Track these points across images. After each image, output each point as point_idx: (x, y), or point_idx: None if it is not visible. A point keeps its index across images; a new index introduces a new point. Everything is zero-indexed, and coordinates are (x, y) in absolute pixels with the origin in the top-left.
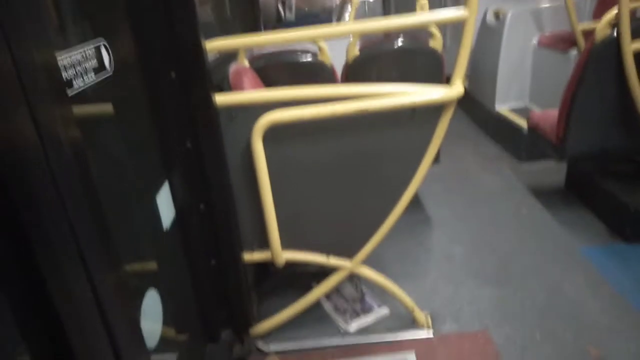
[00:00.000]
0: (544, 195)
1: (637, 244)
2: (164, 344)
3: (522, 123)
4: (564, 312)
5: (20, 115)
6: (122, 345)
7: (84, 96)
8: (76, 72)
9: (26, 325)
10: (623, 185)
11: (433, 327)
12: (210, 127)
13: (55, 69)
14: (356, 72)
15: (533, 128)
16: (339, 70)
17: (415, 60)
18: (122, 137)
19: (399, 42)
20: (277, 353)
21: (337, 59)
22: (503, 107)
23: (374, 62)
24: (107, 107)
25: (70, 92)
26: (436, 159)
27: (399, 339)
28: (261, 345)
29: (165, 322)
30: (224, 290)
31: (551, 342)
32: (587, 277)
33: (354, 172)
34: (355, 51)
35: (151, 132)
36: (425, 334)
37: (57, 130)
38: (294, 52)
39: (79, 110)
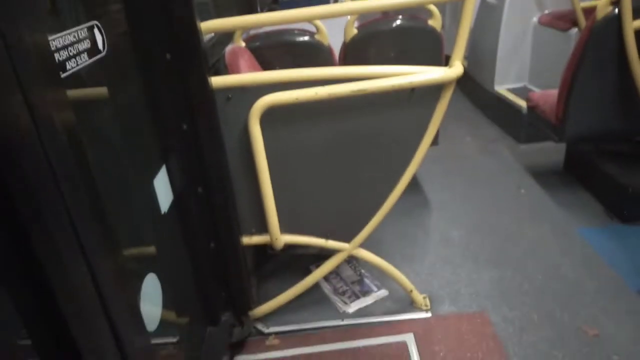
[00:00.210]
0: (543, 176)
1: (635, 224)
2: (165, 327)
3: (522, 104)
4: (562, 293)
5: (14, 99)
6: (122, 329)
7: (77, 78)
8: (69, 54)
9: (26, 311)
10: (622, 167)
11: (431, 309)
12: (206, 110)
13: (47, 52)
14: (354, 51)
15: (532, 108)
16: (336, 49)
17: (414, 39)
18: (117, 120)
19: (398, 21)
20: (277, 335)
21: (335, 38)
22: (502, 88)
23: (372, 41)
24: (101, 90)
25: (64, 75)
26: (435, 141)
27: (397, 320)
28: (261, 327)
29: (165, 306)
30: (223, 273)
31: (548, 322)
32: (585, 258)
33: (352, 154)
34: (353, 30)
35: (147, 114)
36: (423, 315)
37: (51, 114)
38: (291, 32)
39: (73, 93)
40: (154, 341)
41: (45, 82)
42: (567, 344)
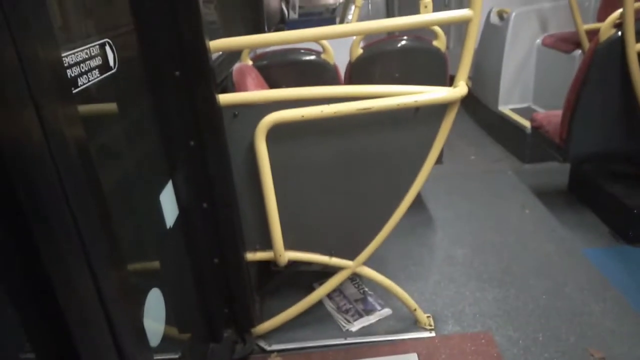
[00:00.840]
0: (547, 196)
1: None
2: (167, 342)
3: (526, 124)
4: (567, 314)
5: (26, 113)
6: (126, 344)
7: (88, 94)
8: (81, 70)
9: (31, 324)
10: (626, 187)
11: (435, 328)
12: (213, 126)
13: (60, 67)
14: (359, 71)
15: (536, 129)
16: (342, 69)
17: (419, 59)
18: (126, 136)
19: (403, 42)
20: (279, 352)
21: (340, 58)
22: (506, 108)
23: (378, 61)
24: (111, 106)
25: (75, 90)
26: (439, 160)
27: (401, 339)
28: (263, 344)
29: (168, 321)
30: (226, 289)
31: (553, 343)
32: (590, 279)
33: (356, 171)
34: (359, 50)
35: (155, 130)
36: (427, 334)
37: (62, 129)
38: (297, 51)
39: (83, 108)
40: (157, 357)
41: (57, 97)
42: None
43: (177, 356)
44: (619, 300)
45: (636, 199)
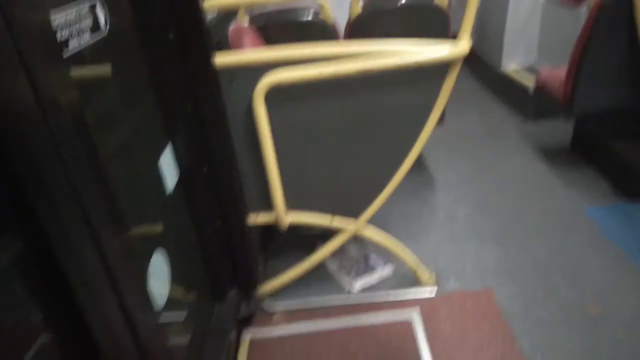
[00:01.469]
0: (550, 155)
1: None
2: (172, 303)
3: (529, 82)
4: (567, 271)
5: (17, 77)
6: (131, 306)
7: (80, 57)
8: (71, 32)
9: (36, 289)
10: (629, 145)
11: (437, 286)
12: (210, 88)
13: (49, 29)
14: (359, 30)
15: (540, 86)
16: (341, 28)
17: (420, 17)
18: (121, 100)
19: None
20: (283, 311)
21: (339, 17)
22: (510, 66)
23: (377, 19)
24: (104, 69)
25: (66, 53)
26: (441, 120)
27: (402, 297)
28: (267, 303)
29: (173, 283)
30: (230, 250)
31: (553, 300)
32: (591, 236)
33: (357, 132)
34: (358, 8)
35: (151, 94)
36: (428, 292)
37: (55, 93)
38: (295, 10)
39: (76, 72)
40: (162, 317)
41: (48, 61)
42: (572, 321)
43: (182, 316)
44: (619, 257)
45: (638, 155)
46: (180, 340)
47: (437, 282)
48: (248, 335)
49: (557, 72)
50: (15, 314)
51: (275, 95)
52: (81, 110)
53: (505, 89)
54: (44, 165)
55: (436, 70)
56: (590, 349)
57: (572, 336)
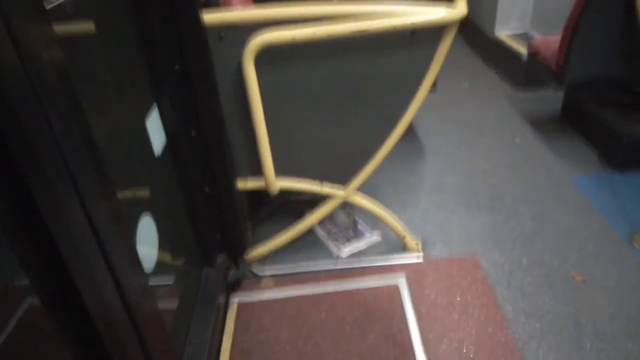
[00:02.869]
0: (540, 124)
1: (628, 173)
2: (161, 267)
3: (522, 49)
4: (552, 239)
5: None
6: (120, 269)
7: (62, 11)
8: None
9: (24, 256)
10: (618, 115)
11: (423, 253)
12: (198, 48)
13: None
14: None
15: (533, 54)
16: None
17: None
18: (106, 57)
19: None
20: (272, 276)
21: None
22: (503, 33)
23: None
24: (88, 25)
25: (48, 6)
26: (433, 87)
27: (389, 262)
28: (256, 269)
29: (161, 247)
30: (218, 216)
31: (537, 267)
32: (577, 206)
33: (349, 96)
34: None
35: (137, 52)
36: (415, 258)
37: (38, 49)
38: None
39: (59, 27)
40: (151, 281)
41: (29, 14)
42: (555, 288)
43: (171, 280)
44: (604, 225)
45: (626, 126)
46: (169, 303)
47: (424, 249)
48: (237, 299)
49: (550, 40)
50: (1, 277)
51: (266, 56)
52: (65, 66)
53: (497, 56)
54: (27, 123)
55: (432, 34)
56: (572, 314)
57: (554, 302)
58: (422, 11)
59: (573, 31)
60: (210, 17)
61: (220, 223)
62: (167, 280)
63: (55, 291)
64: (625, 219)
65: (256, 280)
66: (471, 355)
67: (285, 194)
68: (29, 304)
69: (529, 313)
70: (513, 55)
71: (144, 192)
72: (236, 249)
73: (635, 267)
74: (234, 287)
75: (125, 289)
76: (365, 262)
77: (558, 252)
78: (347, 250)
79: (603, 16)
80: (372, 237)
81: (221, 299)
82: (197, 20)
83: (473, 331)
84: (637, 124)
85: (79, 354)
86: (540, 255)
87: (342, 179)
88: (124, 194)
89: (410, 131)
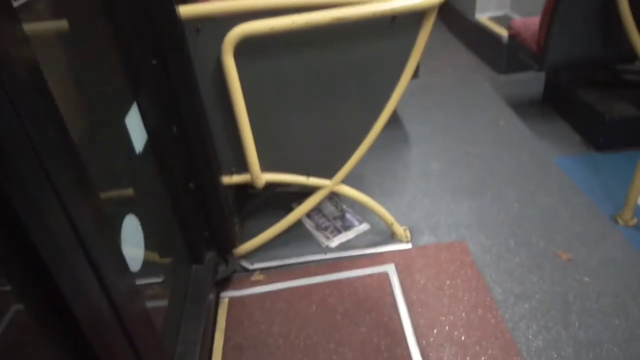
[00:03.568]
0: (522, 107)
1: (610, 152)
2: (149, 267)
3: (502, 32)
4: (537, 220)
5: None
6: (105, 271)
7: (32, 9)
8: None
9: (6, 262)
10: (599, 96)
11: (412, 240)
12: (175, 42)
13: None
14: None
15: (513, 36)
16: None
17: None
18: (80, 55)
19: None
20: (262, 270)
21: None
22: (483, 16)
23: None
24: (60, 23)
25: (16, 4)
26: (415, 74)
27: (378, 251)
28: (245, 264)
29: (148, 246)
30: (205, 212)
31: (524, 249)
32: (561, 187)
33: (331, 87)
34: None
35: (113, 48)
36: (404, 246)
37: (8, 49)
38: None
39: (30, 26)
40: (139, 281)
41: None
42: (542, 268)
43: (160, 279)
44: (588, 205)
45: (608, 106)
46: (159, 303)
47: (412, 236)
48: (227, 295)
49: (530, 22)
50: None
51: (245, 48)
52: (36, 65)
53: (478, 40)
54: (3, 130)
55: (411, 20)
56: (560, 293)
57: (542, 283)
58: None
59: (552, 12)
60: (186, 9)
61: (207, 219)
62: (155, 279)
63: (40, 296)
64: (609, 198)
65: (246, 275)
66: (462, 339)
67: (272, 186)
68: (13, 310)
69: (518, 294)
70: (494, 38)
71: (127, 192)
72: (224, 245)
73: (620, 244)
74: (224, 283)
75: (112, 291)
76: (355, 252)
77: (544, 233)
78: (336, 240)
79: None
80: (360, 226)
81: (211, 296)
82: (173, 14)
83: (463, 314)
84: (617, 103)
85: (67, 359)
86: (526, 237)
87: (328, 170)
88: (106, 194)
89: (394, 119)
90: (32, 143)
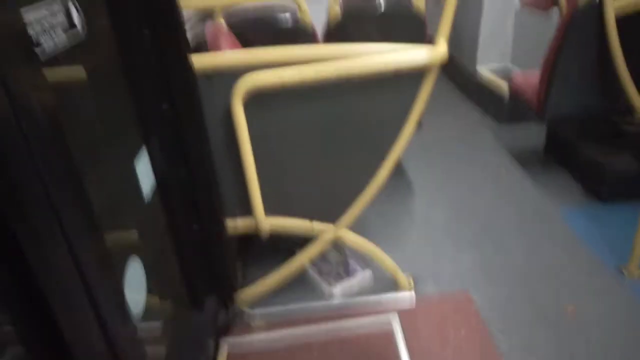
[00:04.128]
0: (524, 158)
1: (612, 203)
2: (149, 312)
3: (503, 85)
4: (542, 272)
5: None
6: (108, 316)
7: (53, 57)
8: (43, 30)
9: (9, 300)
10: (600, 148)
11: (415, 289)
12: (187, 89)
13: (20, 25)
14: (337, 32)
15: (514, 90)
16: (319, 30)
17: (398, 22)
18: (95, 101)
19: (382, 5)
20: (262, 316)
21: (317, 18)
22: (484, 68)
23: (355, 24)
24: (78, 69)
25: (39, 52)
26: (418, 124)
27: (381, 300)
28: (246, 310)
29: (149, 290)
30: (207, 258)
31: (529, 301)
32: (564, 238)
33: (336, 137)
34: (336, 10)
35: (126, 95)
36: (407, 295)
37: (29, 94)
38: (272, 11)
39: (49, 72)
40: (139, 327)
41: (20, 60)
42: (548, 321)
43: (159, 324)
44: (591, 257)
45: (609, 158)
46: (158, 350)
47: (416, 286)
48: (227, 345)
49: (530, 78)
50: None
51: (254, 98)
52: (56, 114)
53: (480, 91)
54: (16, 171)
55: (414, 76)
56: (566, 347)
57: (548, 336)
58: (405, 52)
59: (551, 69)
60: (200, 59)
61: (210, 265)
62: (155, 325)
63: (41, 338)
64: (613, 249)
65: (247, 324)
66: None
67: (275, 234)
68: (13, 352)
69: (524, 347)
70: (495, 89)
71: (133, 235)
72: (226, 292)
73: (626, 297)
74: (224, 329)
75: (113, 336)
76: (357, 302)
77: (549, 285)
78: (339, 288)
79: (579, 54)
80: (363, 273)
81: (211, 344)
82: (186, 62)
83: None
84: (617, 155)
85: None
86: (531, 289)
87: (332, 218)
88: (113, 237)
89: (399, 168)
90: (45, 185)
